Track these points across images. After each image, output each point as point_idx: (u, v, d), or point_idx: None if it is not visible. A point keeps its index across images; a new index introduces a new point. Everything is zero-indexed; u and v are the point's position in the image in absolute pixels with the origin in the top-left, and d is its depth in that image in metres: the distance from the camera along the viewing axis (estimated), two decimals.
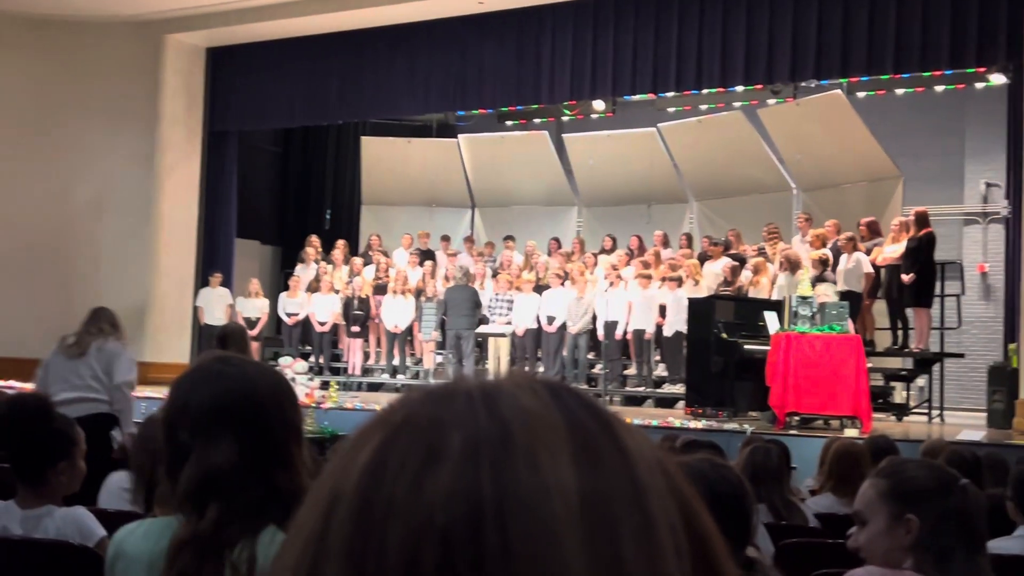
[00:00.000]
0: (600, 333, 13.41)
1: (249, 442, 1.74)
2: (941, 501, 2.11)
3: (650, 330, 13.06)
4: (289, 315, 15.23)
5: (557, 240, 15.60)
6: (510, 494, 0.53)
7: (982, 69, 12.78)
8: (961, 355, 12.77)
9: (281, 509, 1.69)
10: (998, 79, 13.12)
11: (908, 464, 2.27)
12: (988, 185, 16.10)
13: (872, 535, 2.15)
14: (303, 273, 15.69)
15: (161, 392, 10.41)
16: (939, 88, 14.64)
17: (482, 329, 13.96)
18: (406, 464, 0.55)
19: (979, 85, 14.27)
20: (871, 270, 11.84)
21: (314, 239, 16.29)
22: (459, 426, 0.56)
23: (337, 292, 15.22)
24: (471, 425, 0.56)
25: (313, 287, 15.32)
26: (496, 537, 0.52)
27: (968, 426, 10.56)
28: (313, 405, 9.37)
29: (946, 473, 2.20)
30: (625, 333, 13.27)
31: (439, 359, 14.75)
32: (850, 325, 10.37)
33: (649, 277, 13.19)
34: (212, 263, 15.94)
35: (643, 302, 13.07)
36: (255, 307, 15.23)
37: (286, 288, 15.60)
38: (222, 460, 1.73)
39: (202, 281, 15.80)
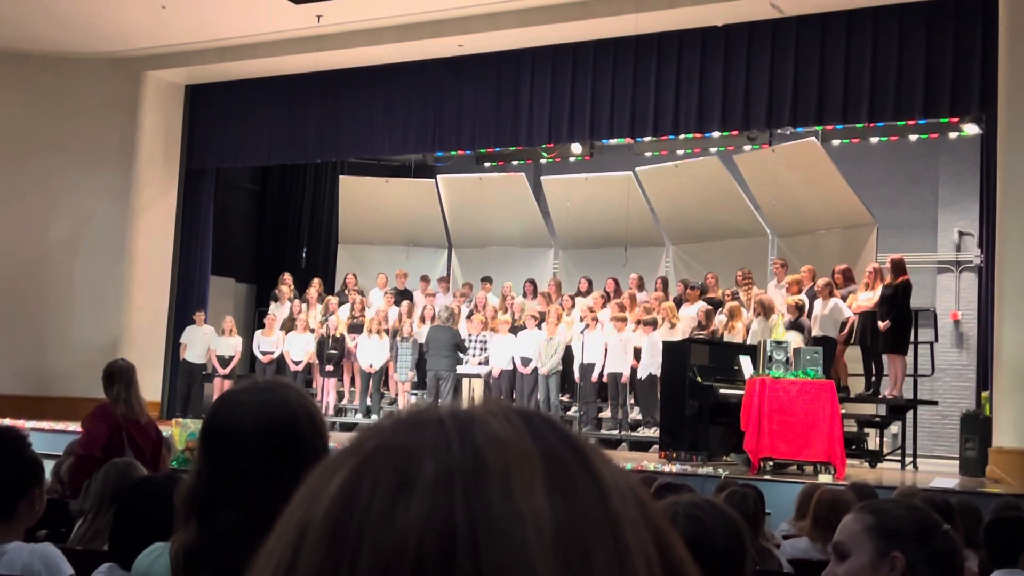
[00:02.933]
0: (576, 375, 13.40)
1: (278, 464, 1.73)
2: (926, 544, 2.09)
3: (625, 373, 13.05)
4: (264, 353, 15.14)
5: (532, 282, 15.60)
6: (483, 521, 0.52)
7: (955, 119, 12.95)
8: (934, 402, 12.82)
9: None
10: (971, 129, 13.29)
11: (893, 503, 2.27)
12: (961, 234, 16.26)
13: (853, 570, 2.13)
14: (278, 311, 15.63)
15: None
16: (913, 137, 14.83)
17: (457, 370, 13.93)
18: (377, 491, 0.54)
19: (952, 135, 14.45)
20: (851, 314, 11.89)
21: (287, 277, 16.24)
22: (432, 453, 0.55)
23: (312, 331, 15.15)
24: (444, 452, 0.55)
25: (288, 326, 15.25)
26: (469, 564, 0.51)
27: (941, 473, 10.58)
28: None
29: (931, 516, 2.19)
30: (601, 375, 13.27)
31: (413, 399, 14.69)
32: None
33: (625, 320, 13.20)
34: (187, 300, 15.87)
35: (618, 345, 13.08)
36: (229, 345, 15.14)
37: (261, 326, 15.52)
38: (203, 475, 1.73)
39: (176, 318, 15.73)
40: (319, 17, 13.72)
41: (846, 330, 11.86)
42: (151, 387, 15.46)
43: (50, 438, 10.97)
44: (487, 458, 0.55)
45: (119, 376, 6.24)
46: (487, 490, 0.53)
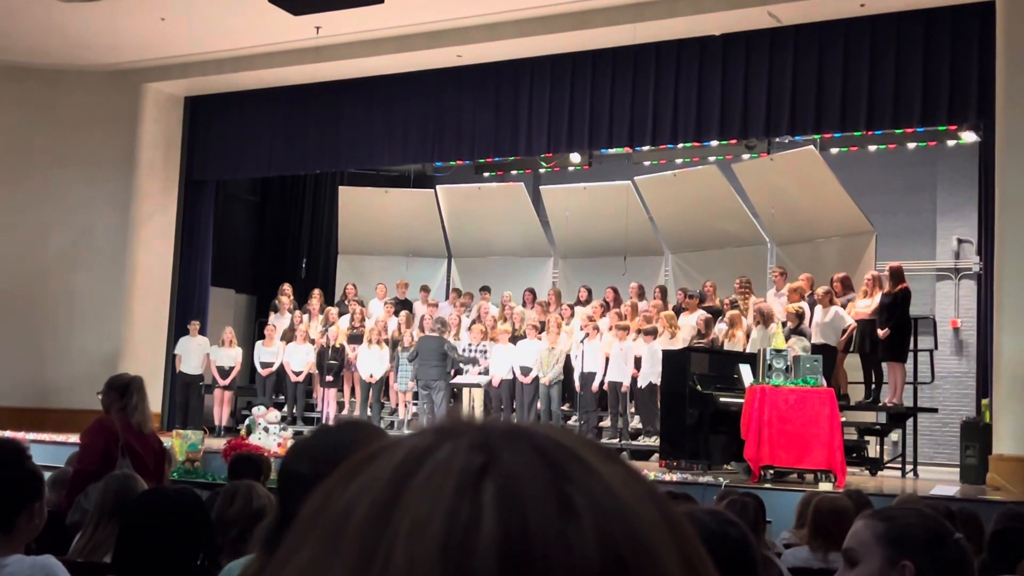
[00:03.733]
0: (577, 385, 13.40)
1: None
2: (937, 552, 2.08)
3: (626, 382, 13.05)
4: (264, 365, 15.14)
5: (532, 291, 15.61)
6: (636, 535, 0.53)
7: (953, 127, 12.97)
8: (934, 410, 12.84)
9: None
10: (969, 137, 13.31)
11: (904, 510, 2.24)
12: (960, 241, 16.28)
13: None
14: (278, 322, 15.64)
15: None
16: (911, 145, 14.84)
17: (457, 380, 13.92)
18: (546, 520, 0.52)
19: (950, 143, 14.47)
20: (852, 322, 11.89)
21: (287, 288, 16.25)
22: (571, 482, 0.54)
23: (312, 342, 15.16)
24: (579, 480, 0.54)
25: (288, 336, 15.26)
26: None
27: (941, 481, 10.58)
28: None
29: (941, 524, 2.17)
30: (602, 385, 13.27)
31: (414, 409, 14.70)
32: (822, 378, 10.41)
33: (626, 329, 13.20)
34: (187, 311, 15.88)
35: (619, 354, 13.08)
36: (229, 356, 15.15)
37: (261, 337, 15.53)
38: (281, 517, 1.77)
39: (176, 329, 15.73)
40: (318, 28, 13.76)
41: (844, 337, 11.87)
42: (152, 399, 15.38)
43: (50, 450, 10.96)
44: (607, 479, 0.55)
45: (136, 388, 6.41)
46: (624, 506, 0.53)
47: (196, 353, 15.17)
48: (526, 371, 13.69)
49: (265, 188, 19.03)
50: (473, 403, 13.66)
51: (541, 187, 17.06)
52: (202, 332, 15.57)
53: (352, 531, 0.52)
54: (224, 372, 14.96)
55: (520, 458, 0.53)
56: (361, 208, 17.26)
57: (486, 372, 14.02)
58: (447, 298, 16.22)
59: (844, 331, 11.87)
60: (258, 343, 15.47)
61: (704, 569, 0.55)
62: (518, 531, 0.50)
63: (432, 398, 13.42)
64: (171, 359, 15.48)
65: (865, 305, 11.92)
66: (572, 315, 14.47)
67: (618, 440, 13.28)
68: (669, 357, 11.75)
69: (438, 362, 13.54)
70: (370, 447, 0.57)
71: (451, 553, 0.50)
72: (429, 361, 13.59)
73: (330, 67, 14.52)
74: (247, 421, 12.07)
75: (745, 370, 10.69)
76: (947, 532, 2.13)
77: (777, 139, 14.08)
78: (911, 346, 11.98)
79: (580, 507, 0.52)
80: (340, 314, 15.59)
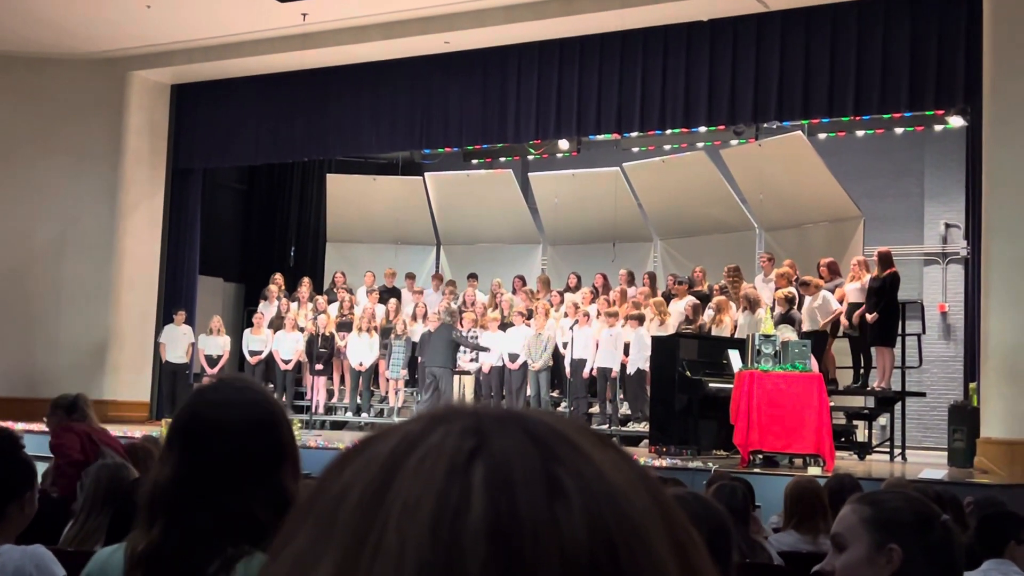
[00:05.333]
0: (567, 371, 13.42)
1: (214, 462, 1.69)
2: (924, 535, 2.08)
3: (615, 368, 13.08)
4: (252, 353, 15.12)
5: (522, 278, 15.62)
6: (629, 519, 0.53)
7: (940, 112, 12.99)
8: (922, 394, 12.87)
9: (260, 535, 1.62)
10: (956, 121, 13.33)
11: (891, 494, 2.24)
12: (947, 226, 16.33)
13: (850, 562, 2.12)
14: (266, 310, 15.61)
15: (122, 431, 10.30)
16: (898, 130, 14.88)
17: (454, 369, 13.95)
18: (535, 503, 0.52)
19: (938, 127, 14.51)
20: (839, 307, 11.93)
21: (277, 277, 16.22)
22: (559, 464, 0.54)
23: (301, 330, 15.14)
24: (569, 463, 0.54)
25: (277, 325, 15.24)
26: (630, 561, 0.52)
27: (929, 464, 10.63)
28: None
29: (928, 507, 2.17)
30: (591, 371, 13.29)
31: (404, 397, 14.70)
32: (814, 363, 10.44)
33: (615, 315, 13.22)
34: (175, 300, 15.84)
35: (608, 340, 13.10)
36: (217, 344, 15.12)
37: (249, 325, 15.50)
38: (171, 475, 1.68)
39: (164, 318, 15.69)
40: (304, 15, 13.71)
41: (830, 319, 11.90)
42: (140, 388, 15.46)
43: (40, 440, 10.91)
44: (598, 462, 0.55)
45: (83, 403, 6.60)
46: (614, 490, 0.53)
47: (181, 342, 15.14)
48: (514, 358, 13.71)
49: (253, 176, 18.96)
50: (464, 390, 13.66)
51: (529, 174, 17.05)
52: (190, 321, 15.54)
53: (346, 514, 0.53)
54: (212, 361, 14.93)
55: (510, 441, 0.54)
56: (349, 196, 17.23)
57: (476, 359, 14.03)
58: (439, 287, 16.19)
59: (831, 315, 11.92)
60: (246, 331, 15.44)
61: (695, 554, 0.55)
62: (507, 511, 0.51)
63: (439, 386, 13.43)
64: (159, 348, 15.45)
65: (853, 289, 11.96)
66: (561, 301, 14.48)
67: (608, 426, 13.30)
68: (658, 343, 11.78)
69: (446, 350, 13.56)
70: (368, 435, 0.58)
71: (441, 533, 0.50)
72: (438, 349, 13.61)
73: (317, 54, 14.47)
74: None
75: (734, 355, 10.72)
76: (934, 515, 2.14)
77: (765, 125, 14.09)
78: (899, 330, 12.02)
79: (570, 489, 0.52)
80: (329, 302, 15.57)
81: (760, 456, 9.90)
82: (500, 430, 0.55)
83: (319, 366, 14.90)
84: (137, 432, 9.98)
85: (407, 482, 0.52)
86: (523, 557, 0.50)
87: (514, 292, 15.30)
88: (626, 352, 12.99)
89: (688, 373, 10.98)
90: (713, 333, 12.37)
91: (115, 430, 10.11)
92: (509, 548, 0.50)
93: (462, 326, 14.08)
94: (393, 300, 15.28)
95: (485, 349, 13.91)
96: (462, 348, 13.86)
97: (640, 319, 12.95)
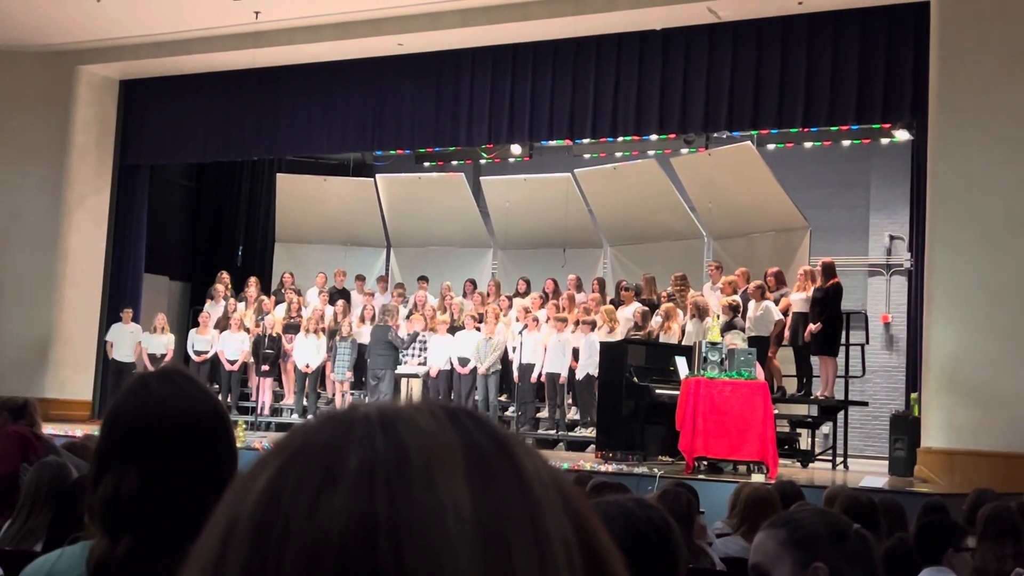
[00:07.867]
0: (515, 375, 13.42)
1: (180, 467, 1.61)
2: (842, 546, 2.11)
3: (564, 373, 13.11)
4: (198, 353, 14.96)
5: (472, 282, 15.61)
6: (404, 512, 0.54)
7: (887, 125, 13.18)
8: (865, 403, 13.04)
9: None
10: (902, 135, 13.53)
11: (801, 512, 2.25)
12: (892, 238, 16.55)
13: None
14: (212, 310, 15.46)
15: (64, 430, 10.15)
16: (846, 143, 15.08)
17: (397, 369, 13.90)
18: (302, 487, 0.56)
19: (884, 141, 14.70)
20: (781, 317, 12.07)
21: (224, 276, 16.06)
22: (356, 449, 0.57)
23: (247, 330, 15.01)
24: (367, 447, 0.57)
25: (223, 325, 15.09)
26: (390, 555, 0.53)
27: (871, 473, 10.76)
28: None
29: (839, 518, 2.20)
30: (540, 376, 13.31)
31: (351, 399, 14.62)
32: (759, 371, 10.53)
33: (564, 320, 13.26)
34: (119, 298, 15.64)
35: (557, 345, 13.13)
36: (160, 343, 14.96)
37: (195, 324, 15.34)
38: (139, 485, 1.59)
39: (109, 316, 15.49)
40: (257, 13, 13.61)
41: (774, 331, 12.03)
42: (83, 387, 15.24)
43: None
44: (410, 452, 0.57)
45: (32, 408, 6.46)
46: (409, 482, 0.55)
47: (128, 341, 14.95)
48: (464, 362, 13.69)
49: (201, 174, 18.75)
50: (412, 393, 13.63)
51: (481, 178, 17.05)
52: (136, 319, 15.35)
53: (248, 510, 0.57)
54: (156, 360, 14.76)
55: (322, 435, 0.59)
56: (299, 196, 17.12)
57: (424, 363, 14.00)
58: (387, 288, 16.13)
59: (776, 325, 12.04)
60: (192, 331, 15.28)
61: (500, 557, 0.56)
62: (272, 498, 0.56)
63: (380, 388, 13.40)
64: (103, 346, 15.24)
65: (798, 299, 12.10)
66: (510, 306, 14.49)
67: (555, 431, 13.33)
68: (606, 349, 11.82)
69: (385, 351, 13.51)
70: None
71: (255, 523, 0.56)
72: (377, 350, 13.57)
73: (269, 53, 14.37)
74: None
75: (681, 362, 10.79)
76: (847, 525, 2.16)
77: (715, 134, 14.21)
78: (843, 340, 12.17)
79: (344, 478, 0.56)
80: (277, 303, 15.46)
81: (705, 462, 9.97)
82: (318, 428, 0.60)
83: (265, 367, 14.79)
84: (78, 431, 9.84)
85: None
86: (269, 538, 0.54)
87: (464, 296, 15.28)
88: (575, 357, 13.03)
89: (635, 379, 11.03)
90: (661, 340, 12.44)
91: (56, 429, 9.99)
92: (263, 529, 0.55)
93: (397, 325, 14.05)
94: (341, 301, 15.20)
95: (411, 342, 13.88)
96: (403, 352, 13.85)
97: (592, 324, 12.99)
